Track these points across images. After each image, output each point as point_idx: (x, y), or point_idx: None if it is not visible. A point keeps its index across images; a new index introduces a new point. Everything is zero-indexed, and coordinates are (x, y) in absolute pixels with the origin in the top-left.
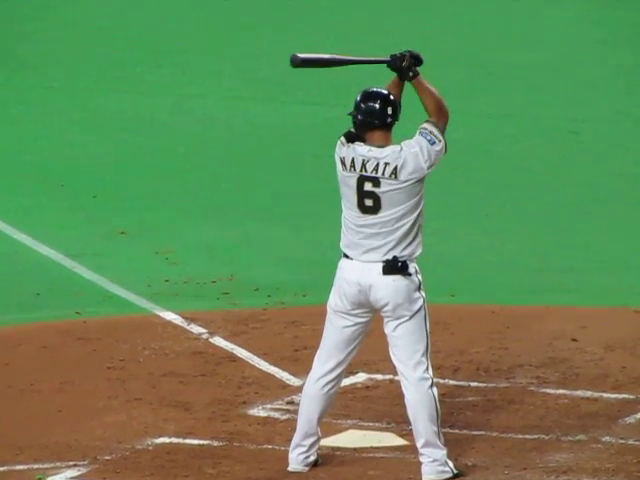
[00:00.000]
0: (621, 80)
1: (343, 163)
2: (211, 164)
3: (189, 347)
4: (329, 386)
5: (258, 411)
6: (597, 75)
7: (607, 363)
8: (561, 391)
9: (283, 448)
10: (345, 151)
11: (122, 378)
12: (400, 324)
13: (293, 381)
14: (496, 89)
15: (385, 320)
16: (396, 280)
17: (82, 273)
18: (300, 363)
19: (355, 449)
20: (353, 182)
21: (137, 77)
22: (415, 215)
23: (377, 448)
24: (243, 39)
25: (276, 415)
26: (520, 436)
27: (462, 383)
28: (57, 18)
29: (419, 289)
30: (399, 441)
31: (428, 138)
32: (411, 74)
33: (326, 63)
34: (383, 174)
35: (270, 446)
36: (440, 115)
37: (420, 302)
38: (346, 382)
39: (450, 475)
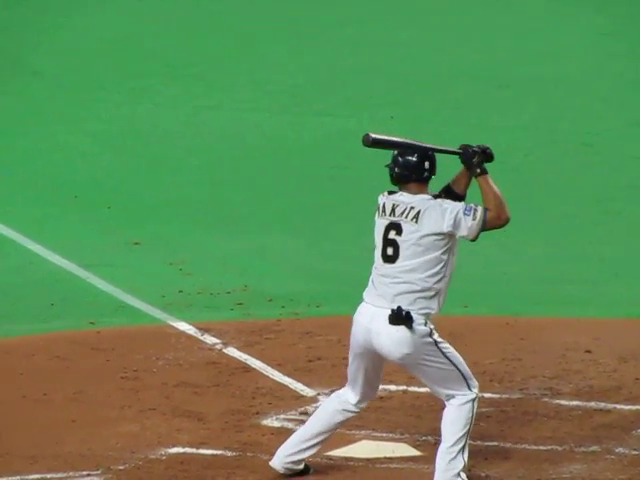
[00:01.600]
0: (635, 93)
1: (378, 209)
2: (225, 175)
3: (203, 357)
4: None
5: (272, 421)
6: (611, 88)
7: (620, 375)
8: (575, 402)
9: None
10: (382, 199)
11: (135, 388)
12: (419, 370)
13: (307, 392)
14: (510, 102)
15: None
16: (399, 331)
17: (96, 283)
18: (314, 374)
19: (368, 459)
20: (382, 229)
21: (151, 89)
22: (428, 275)
23: (390, 459)
24: (257, 51)
25: (290, 425)
26: (534, 447)
27: None
28: (72, 30)
29: (430, 335)
30: (412, 452)
31: (467, 209)
32: (478, 171)
33: (397, 146)
34: (407, 217)
35: None
36: (495, 217)
37: (432, 347)
38: None
39: None
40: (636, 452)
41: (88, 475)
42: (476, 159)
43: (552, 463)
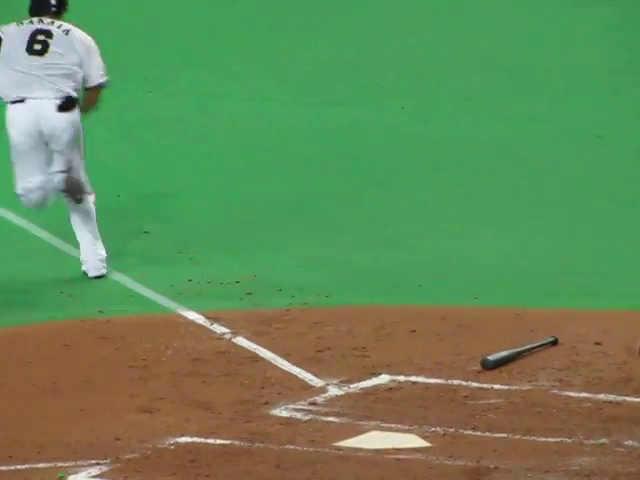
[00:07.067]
0: None
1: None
2: (235, 165)
3: (212, 347)
4: None
5: (280, 411)
6: (623, 79)
7: (630, 367)
8: (584, 394)
9: (305, 449)
10: (17, 24)
11: (144, 377)
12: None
13: (316, 382)
14: (522, 93)
15: None
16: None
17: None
18: (323, 364)
19: (377, 450)
20: (25, 34)
21: (162, 77)
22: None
23: (399, 449)
24: (269, 40)
25: (298, 416)
26: (542, 439)
27: (485, 385)
28: (82, 17)
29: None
30: (421, 443)
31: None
32: None
33: (512, 358)
34: (58, 27)
35: (292, 447)
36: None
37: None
38: (369, 383)
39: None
40: None
41: (97, 464)
42: None
43: (561, 455)
